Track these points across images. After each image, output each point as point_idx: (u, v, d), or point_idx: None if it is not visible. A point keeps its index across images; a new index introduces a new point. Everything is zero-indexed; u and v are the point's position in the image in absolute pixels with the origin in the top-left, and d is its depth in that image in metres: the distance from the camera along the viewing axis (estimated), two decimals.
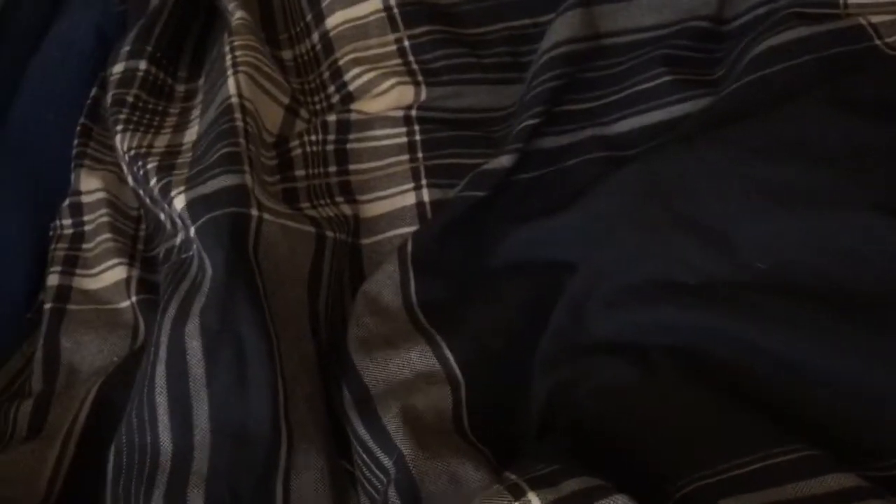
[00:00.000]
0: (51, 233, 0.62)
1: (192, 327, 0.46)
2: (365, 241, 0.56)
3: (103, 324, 0.57)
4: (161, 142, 0.60)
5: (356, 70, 0.62)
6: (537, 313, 0.52)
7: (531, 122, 0.58)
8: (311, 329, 0.49)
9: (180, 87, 0.67)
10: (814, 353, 0.44)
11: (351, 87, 0.62)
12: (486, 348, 0.51)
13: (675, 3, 0.60)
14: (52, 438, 0.49)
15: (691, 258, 0.49)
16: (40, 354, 0.55)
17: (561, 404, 0.48)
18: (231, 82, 0.57)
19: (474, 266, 0.55)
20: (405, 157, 0.59)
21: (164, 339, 0.47)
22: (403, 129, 0.60)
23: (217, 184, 0.51)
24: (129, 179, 0.61)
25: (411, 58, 0.62)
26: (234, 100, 0.56)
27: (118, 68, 0.64)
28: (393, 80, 0.61)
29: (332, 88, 0.64)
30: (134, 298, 0.57)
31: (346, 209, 0.57)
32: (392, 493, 0.42)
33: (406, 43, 0.63)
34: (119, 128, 0.60)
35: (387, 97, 0.61)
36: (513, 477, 0.39)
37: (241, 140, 0.53)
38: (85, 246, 0.61)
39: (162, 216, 0.58)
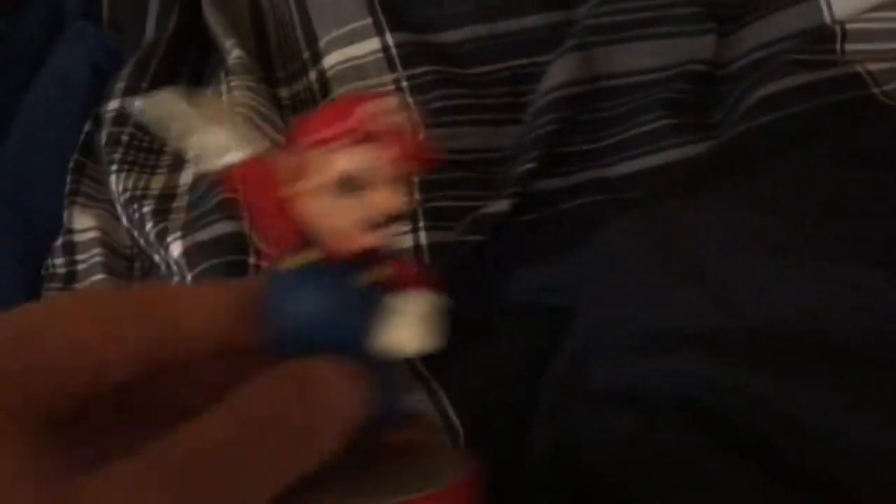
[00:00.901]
0: (43, 272, 0.62)
1: None
2: None
3: None
4: (157, 183, 0.60)
5: None
6: (538, 360, 0.52)
7: (530, 165, 0.58)
8: None
9: None
10: (817, 409, 0.44)
11: None
12: (485, 396, 0.51)
13: (674, 46, 0.60)
14: None
15: (694, 309, 0.49)
16: None
17: (562, 454, 0.48)
18: None
19: (473, 311, 0.54)
20: None
21: None
22: None
23: (214, 231, 0.50)
24: (124, 220, 0.60)
25: (410, 98, 0.62)
26: None
27: (113, 105, 0.64)
28: None
29: None
30: None
31: None
32: None
33: (404, 83, 0.63)
34: (114, 168, 0.60)
35: None
36: None
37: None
38: (78, 286, 0.60)
39: (157, 258, 0.57)
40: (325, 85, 0.65)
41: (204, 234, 0.50)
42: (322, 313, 0.22)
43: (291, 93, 0.67)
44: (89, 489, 0.18)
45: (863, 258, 0.47)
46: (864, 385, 0.44)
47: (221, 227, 0.50)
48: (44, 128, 0.67)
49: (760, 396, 0.45)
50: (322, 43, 0.65)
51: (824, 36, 0.59)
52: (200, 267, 0.49)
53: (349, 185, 0.21)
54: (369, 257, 0.23)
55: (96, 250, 0.60)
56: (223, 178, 0.22)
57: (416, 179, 0.59)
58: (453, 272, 0.54)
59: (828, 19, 0.60)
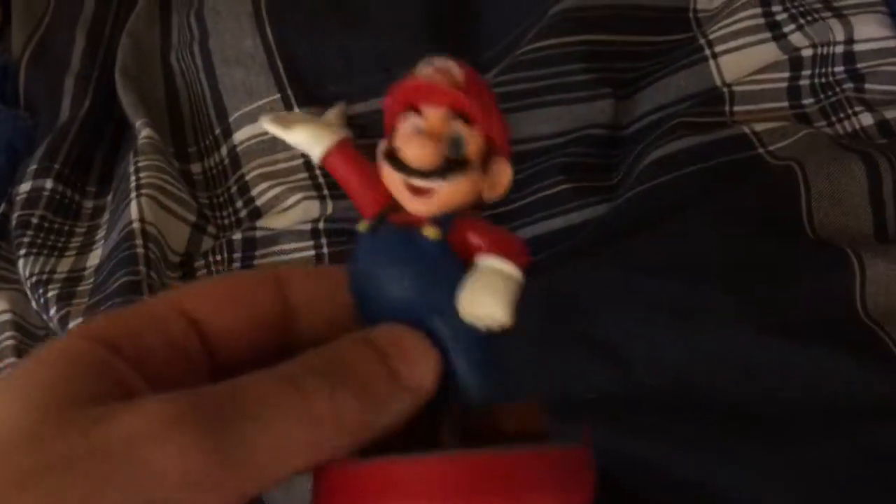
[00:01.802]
0: None
1: None
2: None
3: None
4: (64, 266, 0.60)
5: (263, 185, 0.63)
6: (432, 424, 0.52)
7: None
8: None
9: (88, 204, 0.67)
10: (709, 474, 0.45)
11: (258, 202, 0.63)
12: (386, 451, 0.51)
13: (573, 111, 0.62)
14: None
15: (588, 374, 0.50)
16: None
17: None
18: (133, 206, 0.57)
19: None
20: None
21: None
22: (311, 243, 0.60)
23: None
24: (33, 303, 0.60)
25: (317, 172, 0.63)
26: (136, 225, 0.56)
27: (24, 188, 0.64)
28: (299, 196, 0.62)
29: (239, 203, 0.64)
30: None
31: None
32: None
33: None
34: (22, 252, 0.60)
35: (293, 212, 0.61)
36: None
37: (142, 268, 0.53)
38: None
39: None
40: (235, 160, 0.66)
41: None
42: (390, 273, 0.22)
43: (203, 168, 0.68)
44: (117, 415, 0.17)
45: (752, 321, 0.48)
46: (756, 448, 0.45)
47: None
48: None
49: (655, 462, 0.46)
50: (232, 119, 0.67)
51: (714, 98, 0.61)
52: None
53: (391, 154, 0.21)
54: (440, 222, 0.22)
55: (8, 333, 0.60)
56: (323, 162, 0.23)
57: (325, 250, 0.60)
58: None
59: (718, 82, 0.62)
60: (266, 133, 0.65)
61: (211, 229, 0.63)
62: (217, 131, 0.68)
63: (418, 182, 0.21)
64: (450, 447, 0.22)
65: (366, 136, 0.65)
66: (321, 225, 0.61)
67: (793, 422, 0.45)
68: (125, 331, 0.20)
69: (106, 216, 0.64)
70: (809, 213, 0.53)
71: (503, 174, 0.22)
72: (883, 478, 0.43)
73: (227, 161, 0.66)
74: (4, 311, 0.62)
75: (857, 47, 0.61)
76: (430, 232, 0.21)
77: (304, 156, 0.66)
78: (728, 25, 0.62)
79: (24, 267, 0.59)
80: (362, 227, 0.22)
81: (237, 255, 0.60)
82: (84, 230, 0.64)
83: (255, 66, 0.65)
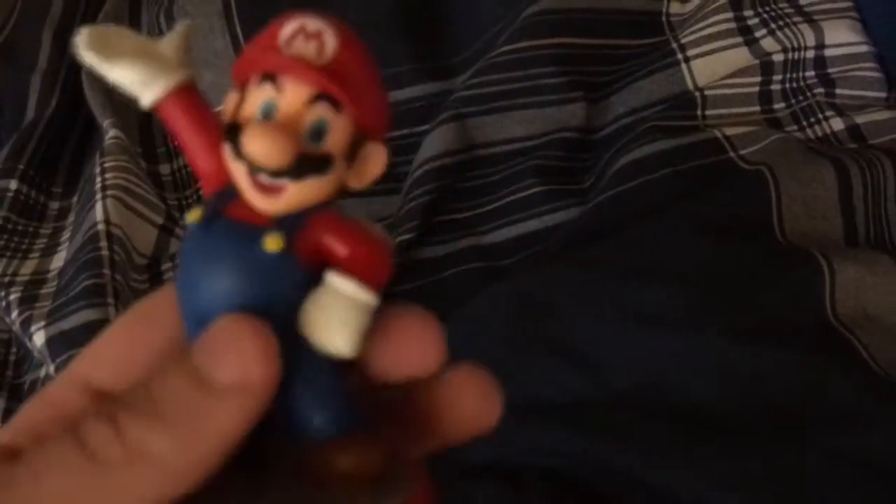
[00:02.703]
0: None
1: None
2: None
3: None
4: (27, 268, 0.59)
5: None
6: None
7: (406, 236, 0.58)
8: None
9: (54, 205, 0.66)
10: (678, 478, 0.44)
11: None
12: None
13: (545, 114, 0.62)
14: None
15: (559, 378, 0.50)
16: None
17: None
18: (98, 207, 0.56)
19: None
20: None
21: None
22: None
23: (78, 318, 0.50)
24: None
25: None
26: (101, 227, 0.55)
27: None
28: None
29: None
30: None
31: None
32: None
33: None
34: None
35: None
36: None
37: (106, 270, 0.52)
38: None
39: (28, 345, 0.56)
40: None
41: (67, 323, 0.49)
42: (219, 282, 0.18)
43: (172, 169, 0.67)
44: None
45: (721, 326, 0.48)
46: (725, 453, 0.45)
47: (86, 315, 0.50)
48: None
49: (623, 467, 0.46)
50: None
51: (686, 102, 0.61)
52: (63, 356, 0.48)
53: (233, 135, 0.17)
54: (287, 223, 0.18)
55: None
56: (155, 109, 0.19)
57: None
58: None
59: (690, 86, 0.62)
60: None
61: (179, 231, 0.62)
62: None
63: (265, 179, 0.17)
64: (280, 484, 0.19)
65: None
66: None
67: (762, 426, 0.45)
68: (27, 432, 0.19)
69: (71, 217, 0.63)
70: (780, 218, 0.53)
71: (375, 162, 0.18)
72: (852, 482, 0.43)
73: None
74: None
75: (828, 52, 0.61)
76: (272, 243, 0.18)
77: None
78: (700, 30, 0.63)
79: None
80: (193, 216, 0.18)
81: None
82: (49, 232, 0.63)
83: (225, 68, 0.64)
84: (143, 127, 0.69)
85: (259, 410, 0.17)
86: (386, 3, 0.65)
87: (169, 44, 0.19)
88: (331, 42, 0.18)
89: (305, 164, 0.17)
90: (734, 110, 0.60)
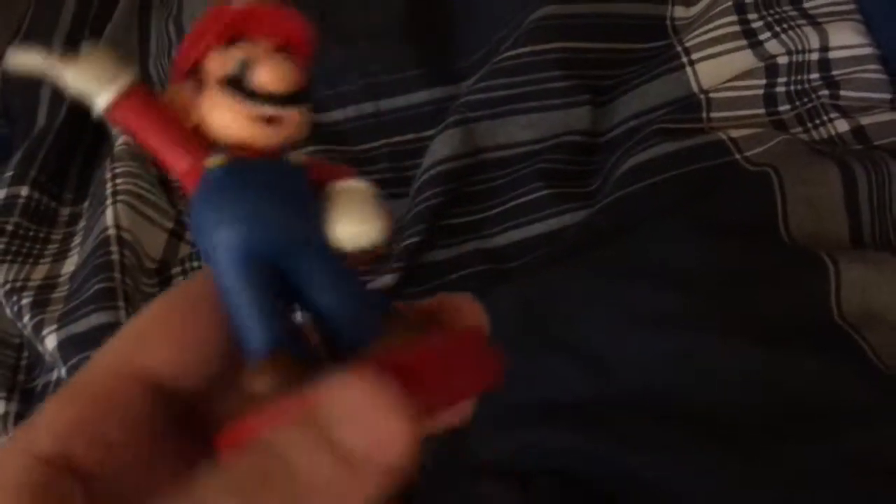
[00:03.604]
0: None
1: None
2: None
3: None
4: (39, 273, 0.60)
5: None
6: None
7: (414, 239, 0.59)
8: None
9: (65, 210, 0.66)
10: (686, 477, 0.45)
11: None
12: None
13: (550, 118, 0.62)
14: None
15: (567, 380, 0.50)
16: None
17: None
18: (109, 213, 0.57)
19: None
20: None
21: None
22: None
23: (89, 322, 0.50)
24: (7, 311, 0.60)
25: None
26: (112, 231, 0.55)
27: (0, 195, 0.64)
28: None
29: None
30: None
31: None
32: None
33: None
34: None
35: None
36: None
37: (117, 275, 0.53)
38: None
39: (40, 348, 0.57)
40: None
41: (79, 326, 0.50)
42: (258, 207, 0.19)
43: None
44: None
45: (727, 327, 0.48)
46: (731, 453, 0.45)
47: (97, 318, 0.50)
48: None
49: (630, 467, 0.46)
50: None
51: (691, 105, 0.61)
52: (74, 360, 0.49)
53: (234, 84, 0.19)
54: (277, 156, 0.20)
55: None
56: (108, 114, 0.19)
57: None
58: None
59: (695, 88, 0.62)
60: None
61: (188, 236, 0.62)
62: None
63: (272, 110, 0.19)
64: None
65: (347, 143, 0.65)
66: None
67: (769, 426, 0.46)
68: (81, 431, 0.18)
69: (82, 223, 0.64)
70: (785, 219, 0.53)
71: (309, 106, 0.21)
72: (860, 482, 0.43)
73: None
74: None
75: (832, 55, 0.61)
76: (297, 157, 0.20)
77: None
78: (705, 33, 0.63)
79: None
80: (215, 161, 0.19)
81: None
82: (60, 237, 0.64)
83: None
84: None
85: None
86: (394, 11, 0.65)
87: (101, 56, 0.20)
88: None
89: (302, 90, 0.20)
90: (739, 112, 0.60)
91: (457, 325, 0.22)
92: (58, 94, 0.70)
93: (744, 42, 0.62)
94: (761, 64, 0.61)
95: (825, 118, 0.60)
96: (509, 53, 0.62)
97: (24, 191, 0.64)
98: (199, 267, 0.60)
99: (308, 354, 0.20)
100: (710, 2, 0.65)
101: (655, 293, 0.50)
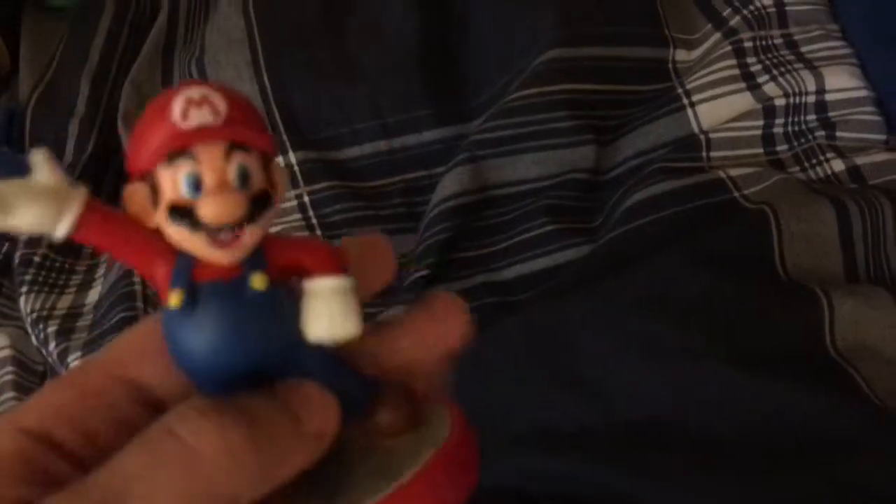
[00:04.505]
0: None
1: None
2: None
3: None
4: (64, 303, 0.62)
5: None
6: None
7: (423, 272, 0.61)
8: None
9: None
10: (683, 502, 0.46)
11: None
12: None
13: (557, 156, 0.65)
14: None
15: (569, 408, 0.52)
16: None
17: None
18: None
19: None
20: None
21: None
22: None
23: None
24: (33, 339, 0.62)
25: (311, 212, 0.66)
26: None
27: None
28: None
29: None
30: None
31: None
32: None
33: (306, 199, 0.66)
34: (24, 289, 0.62)
35: None
36: None
37: (139, 304, 0.55)
38: None
39: None
40: None
41: None
42: (228, 332, 0.20)
43: None
44: None
45: (724, 358, 0.50)
46: (728, 481, 0.46)
47: None
48: None
49: (632, 495, 0.47)
50: None
51: (692, 144, 0.64)
52: None
53: (182, 213, 0.19)
54: (254, 262, 0.20)
55: (8, 368, 0.62)
56: (71, 237, 0.19)
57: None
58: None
59: (696, 129, 0.65)
60: None
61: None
62: None
63: (225, 236, 0.19)
64: (346, 464, 0.22)
65: (362, 179, 0.68)
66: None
67: (764, 456, 0.47)
68: (63, 419, 0.20)
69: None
70: (782, 255, 0.55)
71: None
72: None
73: None
74: (4, 347, 0.64)
75: (829, 97, 0.63)
76: (258, 282, 0.20)
77: (297, 197, 0.69)
78: (705, 76, 0.65)
79: (25, 304, 0.61)
80: (174, 301, 0.20)
81: None
82: (84, 268, 0.66)
83: None
84: None
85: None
86: (405, 52, 0.68)
87: (43, 173, 0.19)
88: (218, 100, 0.19)
89: (255, 206, 0.19)
90: (738, 152, 0.62)
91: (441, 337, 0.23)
92: (85, 130, 0.74)
93: (743, 85, 0.65)
94: (759, 106, 0.63)
95: (822, 158, 0.62)
96: (517, 94, 0.65)
97: None
98: None
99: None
100: (710, 46, 0.68)
101: (655, 325, 0.52)
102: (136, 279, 0.56)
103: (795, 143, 0.63)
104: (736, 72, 0.65)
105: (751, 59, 0.65)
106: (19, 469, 0.19)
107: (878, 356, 0.50)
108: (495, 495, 0.51)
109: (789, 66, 0.65)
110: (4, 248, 0.70)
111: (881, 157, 0.61)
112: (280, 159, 0.66)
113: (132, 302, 0.55)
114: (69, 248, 0.68)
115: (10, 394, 0.61)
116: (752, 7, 0.68)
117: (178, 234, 0.19)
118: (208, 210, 0.19)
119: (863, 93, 0.63)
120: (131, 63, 0.79)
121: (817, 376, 0.49)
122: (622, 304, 0.54)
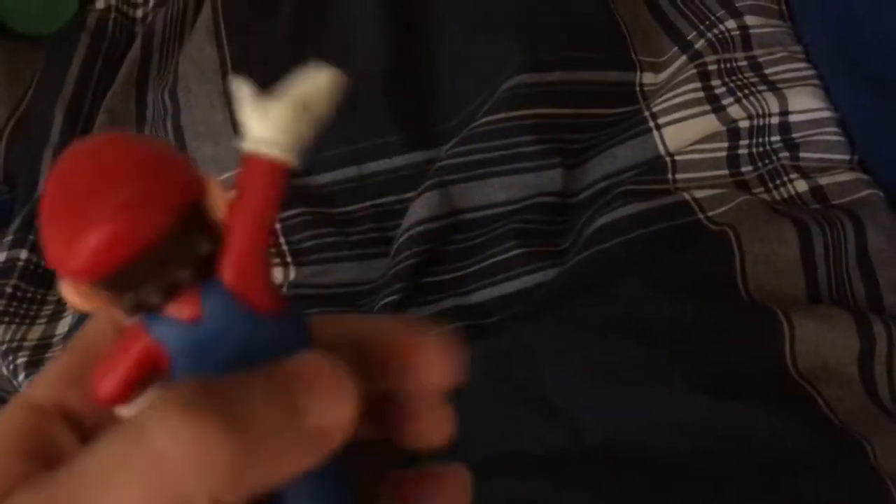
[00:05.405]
0: None
1: None
2: None
3: None
4: (34, 334, 0.62)
5: None
6: None
7: (393, 297, 0.61)
8: None
9: None
10: None
11: None
12: None
13: (524, 180, 0.65)
14: None
15: (537, 432, 0.52)
16: None
17: None
18: None
19: None
20: None
21: None
22: None
23: None
24: (3, 370, 0.62)
25: (282, 240, 0.66)
26: None
27: (0, 258, 0.67)
28: None
29: None
30: None
31: None
32: None
33: (277, 225, 0.67)
34: None
35: None
36: None
37: None
38: None
39: None
40: None
41: None
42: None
43: None
44: None
45: (685, 380, 0.50)
46: (688, 500, 0.47)
47: None
48: None
49: None
50: None
51: (658, 167, 0.64)
52: None
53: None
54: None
55: None
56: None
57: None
58: None
59: (662, 151, 0.65)
60: None
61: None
62: None
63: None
64: None
65: (333, 206, 0.68)
66: (283, 291, 0.63)
67: (727, 475, 0.47)
68: (70, 379, 0.20)
69: None
70: (744, 276, 0.55)
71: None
72: None
73: None
74: None
75: (792, 118, 0.64)
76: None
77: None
78: (671, 98, 0.66)
79: None
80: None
81: None
82: (55, 299, 0.67)
83: (224, 140, 0.69)
84: None
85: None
86: (374, 80, 0.69)
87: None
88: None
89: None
90: (704, 174, 0.63)
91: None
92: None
93: (708, 107, 0.65)
94: (724, 128, 0.64)
95: (785, 179, 0.63)
96: (485, 119, 0.66)
97: (24, 254, 0.67)
98: None
99: None
100: (676, 69, 0.69)
101: (621, 348, 0.53)
102: None
103: (760, 165, 0.64)
104: (701, 94, 0.66)
105: (715, 82, 0.66)
106: (23, 444, 0.19)
107: (838, 377, 0.51)
108: None
109: (753, 89, 0.65)
110: None
111: (844, 176, 0.62)
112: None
113: None
114: (41, 278, 0.68)
115: None
116: (716, 30, 0.69)
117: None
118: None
119: (826, 113, 0.64)
120: (105, 91, 0.79)
121: (778, 398, 0.49)
122: (587, 327, 0.55)
